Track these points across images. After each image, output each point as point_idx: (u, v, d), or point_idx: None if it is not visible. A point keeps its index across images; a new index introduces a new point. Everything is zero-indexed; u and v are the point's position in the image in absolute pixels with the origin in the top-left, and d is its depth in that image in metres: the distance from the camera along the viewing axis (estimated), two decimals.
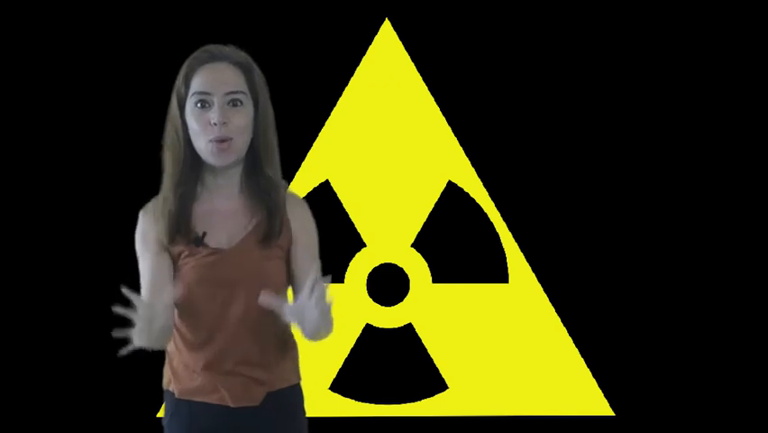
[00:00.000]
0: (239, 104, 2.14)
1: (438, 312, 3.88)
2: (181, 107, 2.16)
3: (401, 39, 3.86)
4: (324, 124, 3.87)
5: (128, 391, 3.73)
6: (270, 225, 2.18)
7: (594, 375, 3.83)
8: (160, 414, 3.73)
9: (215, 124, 2.11)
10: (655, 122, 3.83)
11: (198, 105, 2.13)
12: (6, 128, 3.81)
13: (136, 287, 2.23)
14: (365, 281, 3.89)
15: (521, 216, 3.86)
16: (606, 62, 3.83)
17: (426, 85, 3.87)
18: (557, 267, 3.85)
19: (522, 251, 3.86)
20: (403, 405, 3.84)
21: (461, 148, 3.87)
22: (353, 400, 3.84)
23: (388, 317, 3.89)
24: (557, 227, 3.84)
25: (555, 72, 3.84)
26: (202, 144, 2.14)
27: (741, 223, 3.83)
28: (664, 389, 3.81)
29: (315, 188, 3.84)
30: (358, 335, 3.86)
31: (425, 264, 3.89)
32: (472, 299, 3.87)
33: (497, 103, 3.84)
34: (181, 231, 2.16)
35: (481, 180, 3.87)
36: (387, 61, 3.88)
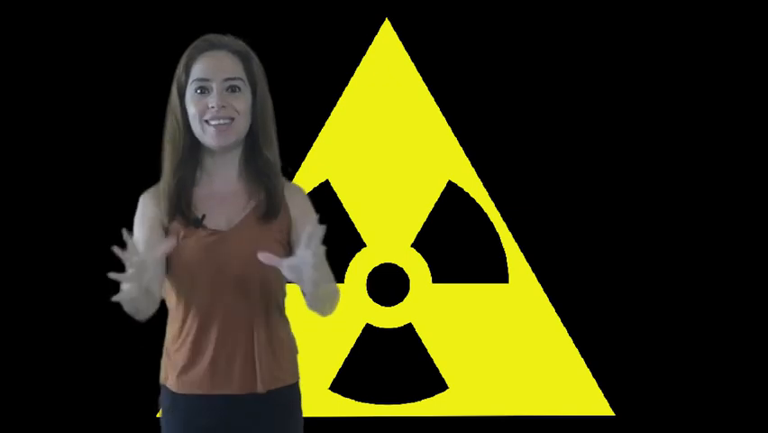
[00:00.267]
0: (237, 90, 2.19)
1: (438, 312, 3.88)
2: (181, 95, 2.21)
3: (401, 39, 3.86)
4: (324, 124, 3.87)
5: (128, 390, 3.73)
6: (269, 205, 2.21)
7: (594, 375, 3.83)
8: (160, 414, 3.75)
9: (214, 107, 2.17)
10: (655, 122, 3.83)
11: (198, 91, 2.19)
12: (5, 127, 3.81)
13: None
14: (365, 281, 3.89)
15: (521, 216, 3.86)
16: (606, 62, 3.83)
17: (426, 85, 3.87)
18: (557, 267, 3.85)
19: (522, 251, 3.86)
20: (403, 405, 3.84)
21: (461, 148, 3.87)
22: (353, 400, 3.84)
23: (388, 317, 3.89)
24: (557, 227, 3.84)
25: (555, 72, 3.84)
26: (201, 127, 2.18)
27: (741, 223, 3.83)
28: (664, 389, 3.81)
29: (315, 188, 3.84)
30: (358, 335, 3.86)
31: (425, 264, 3.89)
32: (472, 299, 3.87)
33: (497, 103, 3.84)
34: (181, 212, 2.19)
35: (481, 180, 3.87)
36: (387, 61, 3.88)
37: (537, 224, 3.85)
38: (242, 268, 2.17)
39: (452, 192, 3.88)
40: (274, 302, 2.23)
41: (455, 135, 3.87)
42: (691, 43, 3.82)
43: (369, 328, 3.87)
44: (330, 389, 3.83)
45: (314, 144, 3.86)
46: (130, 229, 2.24)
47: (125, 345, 3.70)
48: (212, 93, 2.18)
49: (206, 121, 2.18)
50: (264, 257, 2.03)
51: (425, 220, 3.89)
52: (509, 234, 3.86)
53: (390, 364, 3.86)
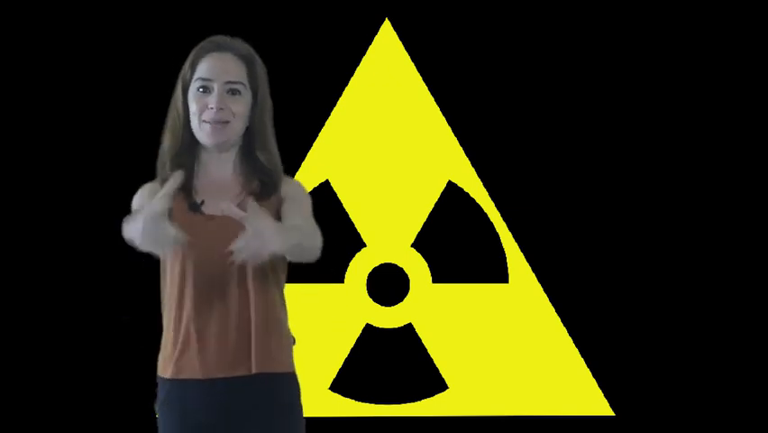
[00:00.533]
0: (237, 93, 2.25)
1: (438, 312, 3.88)
2: (185, 90, 2.27)
3: (401, 39, 3.86)
4: (324, 124, 3.87)
5: (127, 389, 3.73)
6: (264, 188, 2.25)
7: (594, 375, 3.83)
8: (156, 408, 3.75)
9: (212, 108, 2.22)
10: (655, 122, 3.83)
11: (200, 89, 2.25)
12: (6, 129, 3.82)
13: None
14: (365, 281, 3.89)
15: (521, 216, 3.86)
16: (606, 62, 3.83)
17: (426, 85, 3.87)
18: (557, 267, 3.85)
19: (522, 251, 3.86)
20: (403, 405, 3.84)
21: (461, 148, 3.87)
22: (353, 400, 3.83)
23: (388, 317, 3.89)
24: (557, 227, 3.84)
25: (555, 72, 3.84)
26: (198, 124, 2.24)
27: (741, 223, 3.83)
28: (664, 389, 3.81)
29: (315, 188, 3.84)
30: (358, 335, 3.86)
31: (425, 264, 3.89)
32: (472, 299, 3.87)
33: (497, 103, 3.84)
34: (180, 195, 2.22)
35: (481, 180, 3.87)
36: (387, 61, 3.88)
37: (537, 224, 3.85)
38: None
39: (452, 192, 3.88)
40: (273, 284, 2.24)
41: (455, 135, 3.87)
42: (691, 43, 3.82)
43: (369, 328, 3.87)
44: (330, 389, 3.83)
45: (314, 144, 3.86)
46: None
47: (125, 345, 3.70)
48: (213, 93, 2.23)
49: (204, 120, 2.23)
50: (227, 208, 2.04)
51: (425, 220, 3.89)
52: (509, 234, 3.86)
53: (390, 364, 3.86)
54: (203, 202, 2.23)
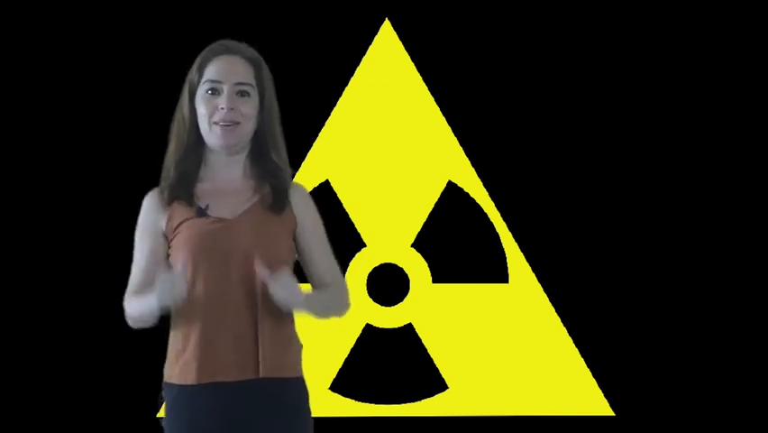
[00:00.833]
0: (246, 95, 2.26)
1: (438, 312, 3.88)
2: (191, 94, 2.28)
3: (401, 39, 3.86)
4: (324, 124, 3.87)
5: (128, 389, 3.73)
6: (276, 197, 2.26)
7: (594, 375, 3.83)
8: (161, 414, 3.75)
9: (223, 108, 2.23)
10: (655, 122, 3.84)
11: (209, 92, 2.26)
12: (12, 127, 3.82)
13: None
14: (365, 281, 3.89)
15: (521, 216, 3.86)
16: (606, 62, 3.83)
17: (426, 85, 3.87)
18: (557, 267, 3.85)
19: (522, 251, 3.86)
20: (403, 405, 3.84)
21: (461, 148, 3.87)
22: (353, 400, 3.83)
23: (388, 317, 3.89)
24: (557, 227, 3.84)
25: (555, 72, 3.84)
26: (208, 127, 2.25)
27: (741, 223, 3.83)
28: (664, 389, 3.81)
29: (315, 189, 3.84)
30: (358, 335, 3.86)
31: (425, 264, 3.89)
32: (472, 299, 3.87)
33: (497, 103, 3.85)
34: (182, 199, 2.23)
35: (481, 180, 3.87)
36: (387, 61, 3.88)
37: (537, 224, 3.85)
38: (248, 254, 2.18)
39: (452, 192, 3.88)
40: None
41: (455, 135, 3.87)
42: (691, 43, 3.82)
43: (369, 328, 3.87)
44: (330, 389, 3.83)
45: (314, 144, 3.86)
46: (131, 236, 2.27)
47: (125, 345, 3.70)
48: (222, 95, 2.25)
49: (215, 122, 2.24)
50: (259, 269, 2.14)
51: (425, 220, 3.89)
52: (509, 234, 3.86)
53: (390, 364, 3.86)
54: (207, 206, 2.23)
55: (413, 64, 3.87)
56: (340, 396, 3.83)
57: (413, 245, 3.90)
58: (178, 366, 2.22)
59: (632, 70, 3.83)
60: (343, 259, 3.87)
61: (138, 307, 2.22)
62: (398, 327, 3.89)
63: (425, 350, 3.87)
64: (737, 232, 3.83)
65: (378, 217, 3.89)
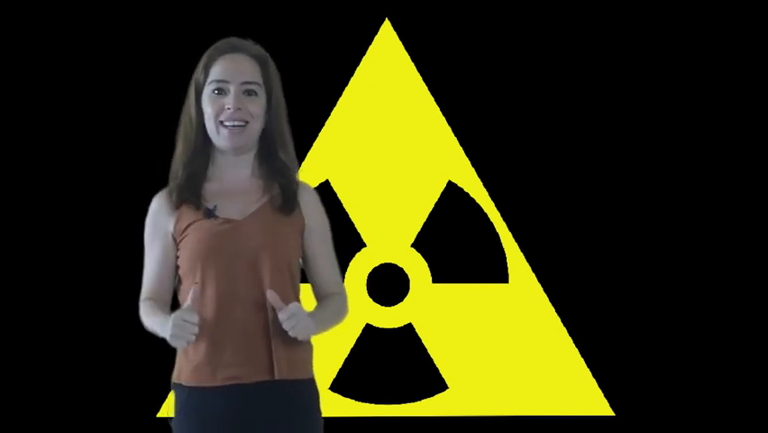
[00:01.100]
0: (253, 94, 2.24)
1: (438, 312, 3.88)
2: (198, 94, 2.25)
3: (401, 39, 3.86)
4: (324, 124, 3.87)
5: (128, 390, 3.73)
6: (286, 197, 2.25)
7: (594, 375, 3.83)
8: (161, 414, 3.76)
9: (230, 108, 2.21)
10: (655, 122, 3.84)
11: (216, 91, 2.23)
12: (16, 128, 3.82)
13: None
14: (365, 281, 3.89)
15: (521, 216, 3.86)
16: (606, 62, 3.83)
17: (426, 85, 3.87)
18: (557, 267, 3.85)
19: (522, 251, 3.86)
20: (403, 405, 3.84)
21: (461, 148, 3.87)
22: (353, 400, 3.83)
23: (388, 317, 3.89)
24: (557, 227, 3.85)
25: (555, 72, 3.84)
26: (216, 127, 2.22)
27: (741, 223, 3.83)
28: (664, 389, 3.81)
29: (315, 189, 3.82)
30: (358, 335, 3.86)
31: (425, 264, 3.89)
32: (472, 299, 3.87)
33: (497, 103, 3.85)
34: (190, 201, 2.21)
35: (481, 180, 3.87)
36: (387, 61, 3.88)
37: (537, 224, 3.85)
38: (257, 255, 2.18)
39: (452, 192, 3.88)
40: (290, 286, 2.23)
41: (455, 135, 3.87)
42: (691, 43, 3.82)
43: (369, 328, 3.87)
44: (330, 389, 3.83)
45: (314, 144, 3.86)
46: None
47: (126, 345, 3.70)
48: (229, 94, 2.22)
49: (221, 122, 2.22)
50: (272, 297, 2.14)
51: (425, 220, 3.89)
52: (509, 234, 3.86)
53: (390, 364, 3.86)
54: (215, 207, 2.22)
55: (413, 64, 3.87)
56: (340, 396, 3.83)
57: (413, 245, 3.90)
58: (189, 368, 2.21)
59: (632, 70, 3.83)
60: (343, 259, 3.88)
61: (151, 327, 2.23)
62: (398, 327, 3.89)
63: (425, 350, 3.87)
64: (737, 232, 3.83)
65: (378, 217, 3.89)
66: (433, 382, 3.85)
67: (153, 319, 2.21)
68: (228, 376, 2.18)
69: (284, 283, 2.21)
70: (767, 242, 3.83)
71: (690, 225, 3.83)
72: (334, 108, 3.87)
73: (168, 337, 2.12)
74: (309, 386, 2.28)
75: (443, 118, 3.87)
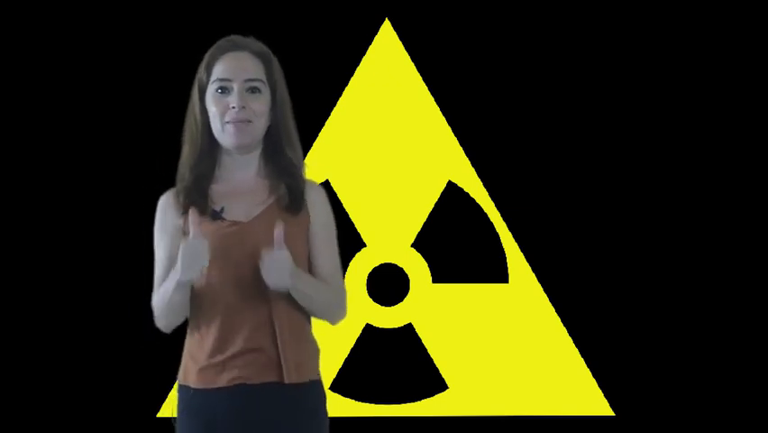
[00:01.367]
0: (257, 91, 2.22)
1: (438, 312, 3.88)
2: (202, 94, 2.24)
3: (401, 39, 3.86)
4: (324, 124, 3.87)
5: (128, 390, 3.73)
6: (293, 197, 2.22)
7: (594, 375, 3.83)
8: (161, 414, 3.76)
9: (234, 107, 2.19)
10: (655, 122, 3.84)
11: (219, 90, 2.21)
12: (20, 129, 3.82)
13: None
14: (365, 281, 3.89)
15: (521, 216, 3.86)
16: (606, 62, 3.83)
17: (426, 85, 3.87)
18: (557, 267, 3.85)
19: (522, 251, 3.86)
20: (403, 405, 3.84)
21: (461, 148, 3.87)
22: (353, 400, 3.83)
23: (388, 317, 3.89)
24: (557, 227, 3.84)
25: (555, 72, 3.84)
26: (220, 126, 2.21)
27: (741, 223, 3.83)
28: (664, 389, 3.81)
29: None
30: (358, 335, 3.86)
31: (425, 264, 3.89)
32: (472, 299, 3.87)
33: (497, 103, 3.85)
34: (197, 204, 2.19)
35: (481, 180, 3.87)
36: (387, 61, 3.88)
37: (537, 224, 3.85)
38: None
39: (452, 192, 3.88)
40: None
41: (455, 135, 3.87)
42: (691, 43, 3.82)
43: (369, 328, 3.87)
44: (330, 389, 3.82)
45: (314, 144, 3.86)
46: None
47: (126, 345, 3.70)
48: (233, 93, 2.20)
49: (227, 121, 2.20)
50: (277, 233, 2.09)
51: (425, 220, 3.89)
52: (509, 234, 3.86)
53: (390, 364, 3.86)
54: (222, 209, 2.21)
55: (413, 64, 3.87)
56: (340, 396, 3.83)
57: (413, 245, 3.90)
58: (195, 369, 2.20)
59: (632, 70, 3.83)
60: (344, 259, 3.88)
61: (163, 292, 2.18)
62: (398, 327, 3.89)
63: (425, 350, 3.86)
64: (737, 232, 3.83)
65: (378, 217, 3.89)
66: (433, 382, 3.85)
67: (165, 286, 2.18)
68: (234, 377, 2.17)
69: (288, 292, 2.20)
70: (767, 242, 3.83)
71: (689, 225, 3.83)
72: (334, 108, 3.87)
73: (180, 272, 2.10)
74: (316, 387, 2.28)
75: (443, 118, 3.87)
